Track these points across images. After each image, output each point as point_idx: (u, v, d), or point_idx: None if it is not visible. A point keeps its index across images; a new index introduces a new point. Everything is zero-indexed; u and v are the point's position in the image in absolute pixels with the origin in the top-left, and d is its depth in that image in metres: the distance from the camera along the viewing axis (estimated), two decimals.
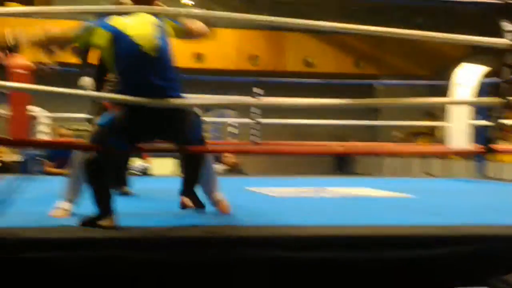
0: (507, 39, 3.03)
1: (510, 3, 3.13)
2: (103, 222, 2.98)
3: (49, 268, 2.59)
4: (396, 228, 3.18)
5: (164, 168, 8.45)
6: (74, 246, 2.67)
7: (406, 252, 2.87)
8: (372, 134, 22.28)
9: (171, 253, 2.68)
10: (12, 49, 3.34)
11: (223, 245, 2.77)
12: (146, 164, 7.93)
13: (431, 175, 13.96)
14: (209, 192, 3.78)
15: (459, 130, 6.82)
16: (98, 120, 3.33)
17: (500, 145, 5.26)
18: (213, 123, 9.25)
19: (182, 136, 3.28)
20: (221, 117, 9.33)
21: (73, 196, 3.61)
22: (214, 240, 2.78)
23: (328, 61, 20.42)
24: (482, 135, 7.41)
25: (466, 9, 21.86)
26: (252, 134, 7.41)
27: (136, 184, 5.16)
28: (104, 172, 3.09)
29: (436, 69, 19.71)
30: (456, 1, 3.66)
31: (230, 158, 9.04)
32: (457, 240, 2.96)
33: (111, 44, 3.11)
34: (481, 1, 3.68)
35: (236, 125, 8.79)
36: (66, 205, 3.57)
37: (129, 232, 2.91)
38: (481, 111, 7.60)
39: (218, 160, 9.92)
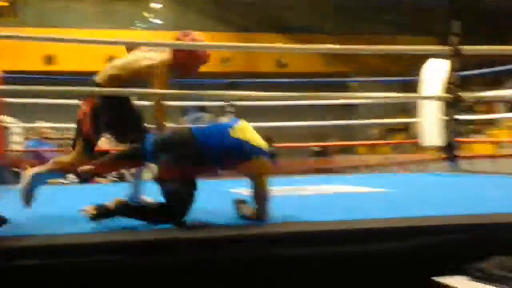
0: (451, 44, 3.20)
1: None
2: None
3: None
4: (373, 222, 3.24)
5: None
6: None
7: (383, 244, 2.93)
8: (349, 132, 22.45)
9: None
10: None
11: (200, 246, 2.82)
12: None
13: (406, 170, 14.09)
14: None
15: (429, 125, 6.92)
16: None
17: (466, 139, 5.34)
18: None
19: None
20: (197, 120, 9.33)
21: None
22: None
23: (299, 60, 20.55)
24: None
25: (433, 5, 22.16)
26: None
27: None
28: None
29: (408, 65, 19.90)
30: None
31: None
32: (432, 230, 3.04)
33: None
34: None
35: None
36: None
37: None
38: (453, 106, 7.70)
39: None
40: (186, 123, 8.35)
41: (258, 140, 3.35)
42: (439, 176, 6.95)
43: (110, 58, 4.78)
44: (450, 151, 3.41)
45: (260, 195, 3.33)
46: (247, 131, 3.37)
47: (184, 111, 11.80)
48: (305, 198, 4.92)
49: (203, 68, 3.92)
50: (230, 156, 3.30)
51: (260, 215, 3.33)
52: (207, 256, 2.80)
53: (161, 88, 3.71)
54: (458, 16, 3.34)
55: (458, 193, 5.23)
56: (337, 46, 3.87)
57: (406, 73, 7.11)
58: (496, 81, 18.78)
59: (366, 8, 23.35)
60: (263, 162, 3.32)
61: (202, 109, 15.49)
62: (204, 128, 3.37)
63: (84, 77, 4.22)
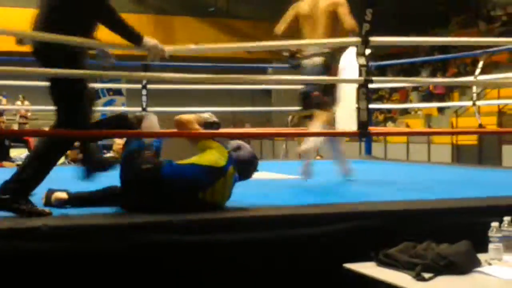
0: (362, 32, 3.31)
1: None
2: None
3: None
4: (285, 208, 3.23)
5: None
6: None
7: (295, 231, 2.93)
8: (266, 118, 22.57)
9: None
10: None
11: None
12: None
13: (321, 156, 14.27)
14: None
15: (345, 112, 6.98)
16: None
17: (376, 128, 5.47)
18: (103, 111, 9.06)
19: None
20: (110, 104, 9.16)
21: None
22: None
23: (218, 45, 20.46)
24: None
25: None
26: None
27: None
28: None
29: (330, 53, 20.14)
30: None
31: (119, 145, 8.82)
32: (343, 217, 3.06)
33: None
34: None
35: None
36: None
37: None
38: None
39: (109, 148, 9.71)
40: (98, 107, 8.15)
41: (224, 197, 3.32)
42: (352, 162, 7.06)
43: None
44: (362, 128, 3.44)
45: None
46: (219, 190, 3.28)
47: (96, 93, 11.59)
48: None
49: (119, 51, 3.73)
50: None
51: None
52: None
53: None
54: (373, 4, 3.35)
55: (369, 180, 5.32)
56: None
57: None
58: (413, 71, 19.28)
59: None
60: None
61: (117, 92, 15.27)
62: (176, 173, 3.25)
63: None
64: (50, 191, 3.44)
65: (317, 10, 5.01)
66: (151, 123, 3.49)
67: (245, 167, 3.40)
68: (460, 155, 13.56)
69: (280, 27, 5.29)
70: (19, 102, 16.95)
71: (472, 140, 13.18)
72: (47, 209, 3.17)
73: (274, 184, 4.95)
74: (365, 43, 3.42)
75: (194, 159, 3.30)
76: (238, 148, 3.43)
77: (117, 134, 3.65)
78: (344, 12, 4.87)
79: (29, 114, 17.84)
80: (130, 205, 3.26)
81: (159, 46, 3.31)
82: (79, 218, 3.02)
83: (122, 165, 3.32)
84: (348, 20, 4.82)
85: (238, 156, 3.39)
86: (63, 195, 3.40)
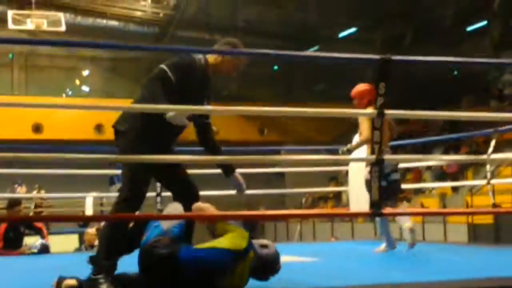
0: (376, 105, 3.35)
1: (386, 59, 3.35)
2: None
3: None
4: None
5: (65, 245, 8.19)
6: None
7: None
8: (280, 201, 22.54)
9: None
10: None
11: None
12: (45, 242, 7.66)
13: (336, 238, 14.16)
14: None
15: (357, 192, 6.97)
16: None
17: (390, 208, 5.45)
18: None
19: None
20: None
21: None
22: None
23: (232, 128, 20.64)
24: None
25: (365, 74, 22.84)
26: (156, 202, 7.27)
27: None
28: None
29: (337, 134, 20.36)
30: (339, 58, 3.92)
31: (91, 235, 8.68)
32: None
33: None
34: (360, 58, 3.99)
35: None
36: None
37: None
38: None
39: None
40: (112, 192, 8.18)
41: (240, 282, 3.29)
42: (366, 243, 6.99)
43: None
44: (374, 209, 3.42)
45: None
46: (237, 276, 3.27)
47: (110, 180, 11.63)
48: None
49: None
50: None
51: None
52: None
53: None
54: (386, 82, 3.41)
55: (383, 261, 5.26)
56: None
57: (333, 142, 7.21)
58: (425, 151, 19.31)
59: (296, 77, 23.91)
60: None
61: None
62: (194, 260, 3.23)
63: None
64: (61, 279, 3.41)
65: None
66: (175, 210, 3.54)
67: (268, 266, 3.36)
68: (476, 234, 13.38)
69: None
70: (35, 192, 17.03)
71: (488, 219, 13.03)
72: None
73: (287, 267, 4.88)
74: (381, 116, 3.43)
75: (214, 242, 3.26)
76: (265, 246, 3.42)
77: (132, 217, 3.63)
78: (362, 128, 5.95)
79: (43, 203, 17.90)
80: None
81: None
82: None
83: (140, 252, 3.29)
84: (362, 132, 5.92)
85: (264, 253, 3.36)
86: (73, 282, 3.38)
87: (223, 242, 3.23)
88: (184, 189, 3.76)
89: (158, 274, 3.18)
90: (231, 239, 3.23)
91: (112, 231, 3.46)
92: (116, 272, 3.41)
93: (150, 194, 5.52)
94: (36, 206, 16.92)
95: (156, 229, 3.34)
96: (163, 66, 3.67)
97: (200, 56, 3.84)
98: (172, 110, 3.43)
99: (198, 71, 3.77)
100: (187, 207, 3.56)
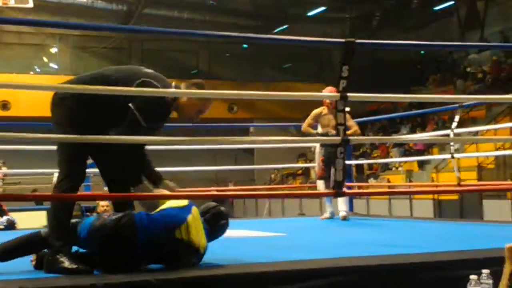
0: (339, 88, 3.42)
1: (350, 43, 3.44)
2: None
3: None
4: (267, 265, 3.30)
5: (33, 222, 8.16)
6: None
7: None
8: (249, 176, 22.66)
9: None
10: None
11: None
12: (11, 218, 7.64)
13: (303, 214, 14.35)
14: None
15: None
16: None
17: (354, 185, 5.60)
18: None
19: None
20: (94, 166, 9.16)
21: None
22: None
23: None
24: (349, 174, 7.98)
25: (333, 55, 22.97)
26: None
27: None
28: None
29: (305, 113, 20.45)
30: (301, 40, 3.95)
31: (103, 206, 8.84)
32: (321, 273, 3.12)
33: None
34: (324, 41, 4.02)
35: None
36: None
37: None
38: (349, 150, 8.00)
39: (92, 210, 9.71)
40: None
41: (199, 239, 3.35)
42: (334, 219, 7.16)
43: None
44: (338, 188, 3.54)
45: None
46: (192, 228, 3.33)
47: None
48: None
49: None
50: (164, 256, 3.31)
51: None
52: None
53: None
54: (350, 62, 3.49)
55: (349, 236, 5.42)
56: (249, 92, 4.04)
57: (302, 119, 7.33)
58: (393, 128, 19.57)
59: (265, 56, 23.94)
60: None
61: None
62: (150, 222, 3.28)
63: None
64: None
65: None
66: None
67: (217, 216, 3.52)
68: (442, 209, 13.68)
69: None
70: None
71: (453, 195, 13.32)
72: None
73: (255, 241, 5.02)
74: (344, 99, 3.50)
75: (159, 209, 3.39)
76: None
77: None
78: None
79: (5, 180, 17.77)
80: (109, 265, 3.24)
81: None
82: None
83: (89, 234, 3.28)
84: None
85: (210, 206, 3.56)
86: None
87: (166, 205, 3.40)
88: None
89: (115, 246, 3.22)
90: (172, 204, 3.39)
91: (58, 211, 3.41)
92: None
93: None
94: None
95: (87, 220, 3.38)
96: (137, 115, 3.43)
97: (173, 86, 3.66)
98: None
99: (167, 111, 3.63)
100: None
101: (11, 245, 3.40)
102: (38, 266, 3.36)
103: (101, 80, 3.50)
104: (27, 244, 3.41)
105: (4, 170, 16.13)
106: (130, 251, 3.21)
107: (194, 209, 3.40)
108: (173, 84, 3.66)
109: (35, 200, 9.93)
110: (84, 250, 3.39)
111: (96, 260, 3.26)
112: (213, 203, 3.61)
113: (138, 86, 3.45)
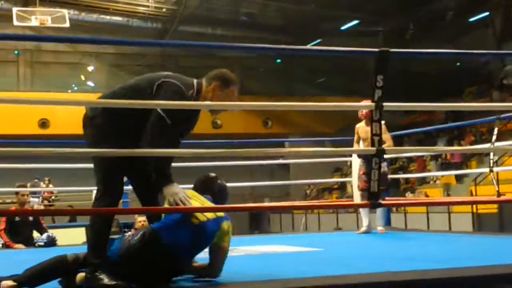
0: (374, 98, 3.38)
1: (385, 52, 3.42)
2: None
3: None
4: (303, 281, 3.28)
5: (73, 238, 8.24)
6: None
7: None
8: (285, 191, 22.63)
9: None
10: None
11: None
12: (53, 235, 7.71)
13: (339, 229, 14.27)
14: None
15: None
16: None
17: (391, 199, 5.56)
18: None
19: None
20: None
21: None
22: None
23: (235, 121, 20.73)
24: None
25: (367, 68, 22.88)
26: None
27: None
28: None
29: (340, 127, 20.40)
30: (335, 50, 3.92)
31: (140, 222, 8.91)
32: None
33: None
34: (358, 51, 4.00)
35: None
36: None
37: None
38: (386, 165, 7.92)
39: (130, 226, 9.79)
40: None
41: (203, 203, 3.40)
42: (370, 234, 7.10)
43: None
44: (374, 200, 3.50)
45: (221, 254, 3.43)
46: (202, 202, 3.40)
47: None
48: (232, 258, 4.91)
49: None
50: (200, 243, 3.34)
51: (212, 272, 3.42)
52: None
53: None
54: (384, 74, 3.47)
55: (386, 251, 5.36)
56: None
57: (337, 134, 7.30)
58: (429, 141, 19.37)
59: (298, 70, 23.98)
60: (227, 223, 3.41)
61: None
62: (167, 225, 3.32)
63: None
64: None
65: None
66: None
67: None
68: (481, 223, 13.46)
69: None
70: (43, 185, 17.23)
71: (492, 208, 13.11)
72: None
73: (292, 257, 4.99)
74: (379, 108, 3.47)
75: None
76: None
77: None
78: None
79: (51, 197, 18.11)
80: (145, 280, 3.25)
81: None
82: None
83: (119, 257, 3.29)
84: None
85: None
86: (10, 283, 3.25)
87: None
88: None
89: (147, 262, 3.23)
90: None
91: (97, 227, 3.44)
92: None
93: None
94: (44, 200, 17.09)
95: (113, 245, 3.39)
96: (160, 112, 3.42)
97: (195, 82, 3.68)
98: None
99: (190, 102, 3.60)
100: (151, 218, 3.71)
101: (38, 270, 3.35)
102: (68, 286, 3.35)
103: (127, 90, 3.57)
104: (55, 269, 3.37)
105: (51, 188, 16.46)
106: (165, 261, 3.23)
107: (189, 193, 3.45)
108: (194, 81, 3.69)
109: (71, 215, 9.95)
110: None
111: (132, 276, 3.27)
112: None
113: (158, 86, 3.51)
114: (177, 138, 3.64)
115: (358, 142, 7.12)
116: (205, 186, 3.60)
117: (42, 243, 7.45)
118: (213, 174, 3.68)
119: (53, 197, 18.09)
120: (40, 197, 17.71)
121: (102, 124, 3.51)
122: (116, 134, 3.49)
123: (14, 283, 3.23)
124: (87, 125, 3.59)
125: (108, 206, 3.44)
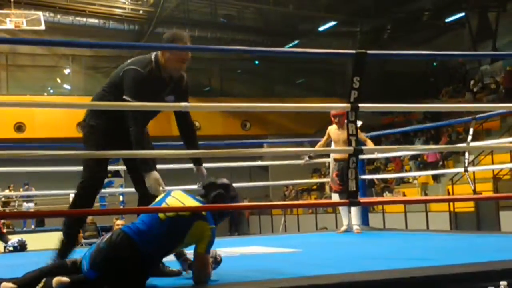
0: (350, 99, 3.41)
1: (362, 54, 3.43)
2: None
3: None
4: (281, 281, 3.28)
5: (47, 242, 8.14)
6: None
7: None
8: (264, 193, 22.65)
9: None
10: None
11: None
12: (22, 239, 7.62)
13: (325, 228, 14.27)
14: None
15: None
16: None
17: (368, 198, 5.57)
18: (102, 193, 9.07)
19: None
20: (108, 186, 9.20)
21: None
22: None
23: (214, 123, 20.70)
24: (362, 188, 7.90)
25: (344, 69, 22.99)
26: None
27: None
28: None
29: (319, 128, 20.46)
30: (312, 53, 3.93)
31: (118, 226, 8.87)
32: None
33: None
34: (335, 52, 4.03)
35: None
36: None
37: None
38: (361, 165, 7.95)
39: (108, 230, 9.73)
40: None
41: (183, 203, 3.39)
42: (348, 235, 7.13)
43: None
44: (352, 197, 3.52)
45: (197, 261, 3.37)
46: (176, 203, 3.38)
47: None
48: None
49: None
50: (172, 237, 3.31)
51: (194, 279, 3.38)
52: None
53: None
54: (360, 76, 3.48)
55: (365, 250, 5.38)
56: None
57: (316, 135, 7.32)
58: (407, 142, 19.48)
59: (277, 72, 24.02)
60: (203, 225, 3.34)
61: (115, 173, 15.35)
62: (134, 224, 3.33)
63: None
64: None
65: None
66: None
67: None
68: (458, 222, 13.57)
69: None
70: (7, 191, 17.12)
71: (469, 207, 13.22)
72: None
73: (271, 258, 4.99)
74: (355, 109, 3.49)
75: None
76: None
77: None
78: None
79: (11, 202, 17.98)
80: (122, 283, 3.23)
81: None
82: None
83: (91, 266, 3.24)
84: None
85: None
86: (10, 285, 3.25)
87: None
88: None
89: (120, 263, 3.21)
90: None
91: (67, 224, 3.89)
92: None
93: None
94: (4, 204, 16.96)
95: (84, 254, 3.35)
96: (126, 97, 3.73)
97: (152, 57, 3.87)
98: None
99: (151, 79, 3.81)
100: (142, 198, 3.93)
101: (37, 274, 3.32)
102: None
103: (106, 89, 3.94)
104: (55, 274, 3.29)
105: (34, 191, 16.36)
106: (135, 259, 3.22)
107: (174, 192, 3.49)
108: (152, 55, 3.91)
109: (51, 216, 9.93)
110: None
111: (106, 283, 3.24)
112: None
113: (121, 78, 3.82)
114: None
115: (324, 144, 7.27)
116: (205, 189, 3.60)
117: (11, 248, 7.37)
118: (220, 181, 3.68)
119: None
120: (33, 202, 17.67)
121: (92, 124, 3.92)
122: (104, 128, 3.89)
123: (14, 286, 3.26)
124: (83, 127, 3.99)
125: (91, 188, 3.87)
